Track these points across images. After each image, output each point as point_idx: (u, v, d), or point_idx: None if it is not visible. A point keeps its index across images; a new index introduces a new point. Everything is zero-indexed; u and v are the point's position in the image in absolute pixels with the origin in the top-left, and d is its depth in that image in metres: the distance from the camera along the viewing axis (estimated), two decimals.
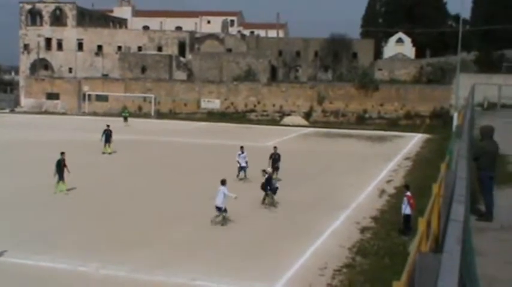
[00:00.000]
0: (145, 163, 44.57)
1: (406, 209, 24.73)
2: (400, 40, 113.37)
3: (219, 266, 20.93)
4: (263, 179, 30.61)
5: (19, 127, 67.77)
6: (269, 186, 30.23)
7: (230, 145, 41.48)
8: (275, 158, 36.92)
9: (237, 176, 36.53)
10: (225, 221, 26.75)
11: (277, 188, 30.35)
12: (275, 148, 38.29)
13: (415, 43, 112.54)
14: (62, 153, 33.47)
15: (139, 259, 21.54)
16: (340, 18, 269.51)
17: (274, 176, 33.96)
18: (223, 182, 27.09)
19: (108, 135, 47.68)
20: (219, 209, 26.55)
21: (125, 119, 72.59)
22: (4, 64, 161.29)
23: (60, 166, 32.71)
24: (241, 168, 36.96)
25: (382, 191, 34.50)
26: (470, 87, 51.57)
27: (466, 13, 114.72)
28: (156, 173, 40.03)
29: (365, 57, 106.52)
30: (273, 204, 30.15)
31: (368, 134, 66.18)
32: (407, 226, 24.34)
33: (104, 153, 46.89)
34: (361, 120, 79.81)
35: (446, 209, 9.98)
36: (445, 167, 14.44)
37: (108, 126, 48.57)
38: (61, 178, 32.67)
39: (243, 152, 37.52)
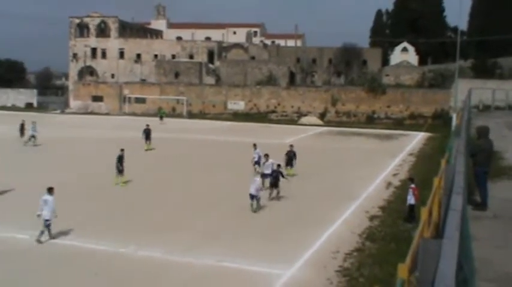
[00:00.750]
0: (178, 157, 44.67)
1: (411, 200, 24.71)
2: (404, 49, 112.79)
3: (243, 250, 21.02)
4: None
5: (69, 126, 68.24)
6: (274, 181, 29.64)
7: (253, 142, 41.33)
8: (290, 156, 36.38)
9: (255, 170, 36.03)
10: (258, 208, 26.97)
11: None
12: (291, 146, 37.81)
13: (418, 52, 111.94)
14: (122, 150, 33.65)
15: (171, 243, 21.71)
16: (352, 29, 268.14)
17: (290, 172, 33.87)
18: (262, 176, 27.49)
19: (148, 133, 47.75)
20: (252, 196, 26.79)
21: (161, 118, 73.20)
22: (56, 71, 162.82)
23: (121, 161, 32.92)
24: (256, 162, 36.59)
25: (389, 184, 34.36)
26: (467, 91, 51.18)
27: (463, 25, 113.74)
28: (188, 167, 40.16)
29: (374, 64, 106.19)
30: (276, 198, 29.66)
31: (376, 133, 65.84)
32: (411, 214, 24.30)
33: (146, 150, 46.81)
34: (370, 120, 79.47)
35: (446, 200, 9.98)
36: (445, 162, 14.40)
37: (147, 125, 48.68)
38: (120, 171, 32.85)
39: (256, 149, 37.39)
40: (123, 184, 32.73)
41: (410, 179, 27.02)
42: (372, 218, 26.00)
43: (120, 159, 33.00)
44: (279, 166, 31.00)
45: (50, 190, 22.10)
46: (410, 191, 25.01)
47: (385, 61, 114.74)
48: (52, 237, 21.87)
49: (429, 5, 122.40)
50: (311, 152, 45.41)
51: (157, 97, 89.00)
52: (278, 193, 29.79)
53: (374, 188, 33.43)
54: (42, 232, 21.58)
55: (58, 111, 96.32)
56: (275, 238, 22.78)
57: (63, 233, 22.48)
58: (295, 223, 25.07)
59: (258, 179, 27.27)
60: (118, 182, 32.75)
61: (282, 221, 25.44)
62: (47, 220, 21.53)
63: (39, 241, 21.42)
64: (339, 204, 28.63)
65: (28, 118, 55.03)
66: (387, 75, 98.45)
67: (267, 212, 26.97)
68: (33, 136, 49.28)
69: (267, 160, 32.31)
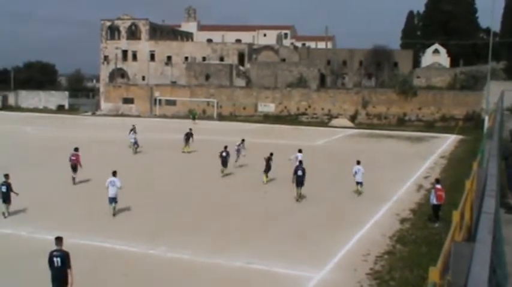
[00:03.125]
0: (208, 159, 44.73)
1: (433, 200, 24.89)
2: (436, 51, 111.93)
3: (272, 252, 20.98)
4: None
5: (100, 127, 68.77)
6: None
7: (284, 143, 41.28)
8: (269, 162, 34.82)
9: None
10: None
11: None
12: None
13: (449, 53, 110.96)
14: (226, 146, 37.59)
15: (201, 244, 21.79)
16: (382, 31, 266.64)
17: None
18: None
19: (188, 136, 48.01)
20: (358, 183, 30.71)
21: (194, 118, 74.83)
22: (87, 73, 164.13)
23: (225, 157, 36.71)
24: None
25: (420, 186, 34.13)
26: (499, 93, 50.68)
27: (496, 26, 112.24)
28: (219, 167, 40.21)
29: (405, 66, 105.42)
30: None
31: (407, 135, 65.40)
32: (435, 214, 24.62)
33: (183, 152, 47.16)
34: (401, 123, 78.93)
35: (479, 203, 9.87)
36: (477, 165, 14.26)
37: (190, 129, 49.42)
38: (225, 165, 36.71)
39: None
40: (226, 175, 36.34)
41: (437, 180, 26.94)
42: (402, 220, 25.85)
43: (226, 154, 36.80)
44: (300, 162, 31.59)
45: (115, 173, 26.27)
46: (433, 191, 25.08)
47: (416, 63, 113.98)
48: (114, 214, 25.84)
49: (461, 6, 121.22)
50: (342, 154, 45.25)
51: (188, 99, 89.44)
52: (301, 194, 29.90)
53: (405, 190, 33.25)
54: (114, 207, 25.86)
55: (89, 113, 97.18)
56: (305, 240, 22.73)
57: (94, 234, 22.74)
58: (325, 225, 25.02)
59: (361, 167, 30.80)
60: (224, 173, 36.56)
61: (312, 223, 25.39)
62: (112, 198, 25.63)
63: (114, 215, 25.80)
64: (370, 206, 28.50)
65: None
66: (418, 77, 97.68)
67: (297, 214, 26.92)
68: (135, 142, 48.18)
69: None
